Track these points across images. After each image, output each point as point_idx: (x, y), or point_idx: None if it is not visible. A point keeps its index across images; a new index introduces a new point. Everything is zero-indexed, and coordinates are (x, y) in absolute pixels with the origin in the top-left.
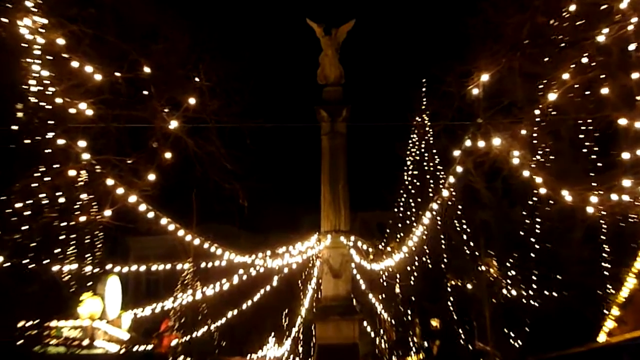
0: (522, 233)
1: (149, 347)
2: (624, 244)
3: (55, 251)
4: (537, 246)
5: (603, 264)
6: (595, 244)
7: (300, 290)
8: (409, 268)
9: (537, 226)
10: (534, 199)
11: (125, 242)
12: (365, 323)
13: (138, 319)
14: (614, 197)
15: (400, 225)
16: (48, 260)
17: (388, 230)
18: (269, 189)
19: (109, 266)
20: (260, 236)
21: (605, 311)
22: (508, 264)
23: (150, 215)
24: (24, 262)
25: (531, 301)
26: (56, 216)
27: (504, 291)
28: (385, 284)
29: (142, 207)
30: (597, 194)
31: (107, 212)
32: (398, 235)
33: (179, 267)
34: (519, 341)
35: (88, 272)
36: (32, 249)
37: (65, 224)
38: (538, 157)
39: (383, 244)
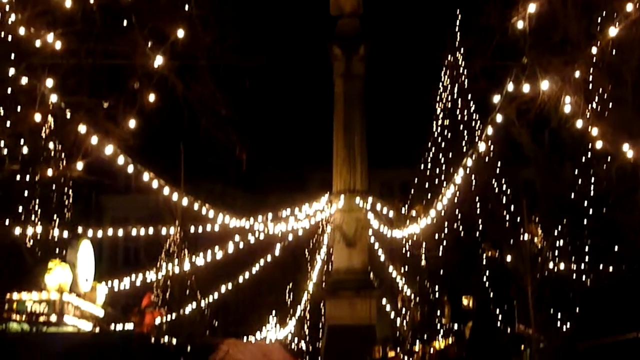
0: (573, 195)
1: (129, 325)
2: None
3: (18, 210)
4: (591, 211)
5: None
6: None
7: (308, 262)
8: (437, 236)
9: (592, 187)
10: (589, 154)
11: (100, 202)
12: (384, 301)
13: (115, 292)
14: None
15: (427, 185)
16: (8, 222)
17: (413, 191)
18: (272, 140)
19: (80, 229)
20: (260, 197)
21: None
22: (556, 233)
23: (130, 169)
24: None
25: (583, 277)
26: (18, 169)
27: (551, 265)
28: (408, 254)
29: (121, 160)
30: None
31: (79, 165)
32: (425, 197)
33: (164, 232)
34: (567, 324)
35: (56, 236)
36: None
37: (29, 178)
38: (594, 104)
39: (406, 207)
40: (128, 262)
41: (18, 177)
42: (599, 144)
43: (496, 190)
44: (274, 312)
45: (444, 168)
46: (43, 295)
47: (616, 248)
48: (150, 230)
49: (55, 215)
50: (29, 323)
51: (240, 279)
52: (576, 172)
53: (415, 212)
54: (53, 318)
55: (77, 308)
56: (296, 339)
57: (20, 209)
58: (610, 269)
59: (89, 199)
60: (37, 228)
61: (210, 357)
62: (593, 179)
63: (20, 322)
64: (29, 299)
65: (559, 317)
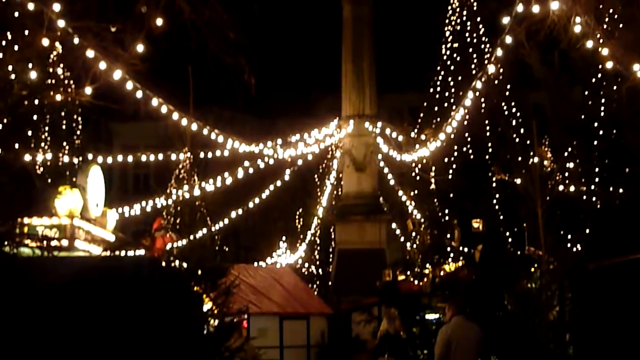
0: (583, 117)
1: (139, 250)
2: None
3: (27, 135)
4: (601, 132)
5: None
6: None
7: (317, 187)
8: (446, 159)
9: (602, 108)
10: (599, 75)
11: (109, 129)
12: (393, 225)
13: (125, 218)
14: None
15: (437, 108)
16: (18, 146)
17: (422, 115)
18: (280, 65)
19: (90, 156)
20: (268, 122)
21: None
22: (566, 155)
23: (139, 94)
24: None
25: (593, 198)
26: (27, 94)
27: (561, 187)
28: (418, 178)
29: (129, 85)
30: None
31: (87, 90)
32: (434, 121)
33: (174, 157)
34: (577, 245)
35: (66, 162)
36: None
37: (37, 103)
38: (605, 24)
39: (416, 131)
40: (138, 189)
41: (26, 103)
42: (609, 65)
43: (506, 113)
44: (284, 237)
45: (453, 91)
46: (54, 220)
47: (626, 169)
48: (160, 157)
49: (64, 142)
50: (40, 248)
51: (250, 205)
52: (586, 94)
53: (425, 135)
54: (64, 243)
55: (87, 233)
56: (306, 263)
57: (30, 133)
58: (620, 190)
59: (98, 126)
60: (47, 155)
61: (220, 281)
62: (603, 100)
63: (31, 247)
64: (39, 224)
65: (569, 238)
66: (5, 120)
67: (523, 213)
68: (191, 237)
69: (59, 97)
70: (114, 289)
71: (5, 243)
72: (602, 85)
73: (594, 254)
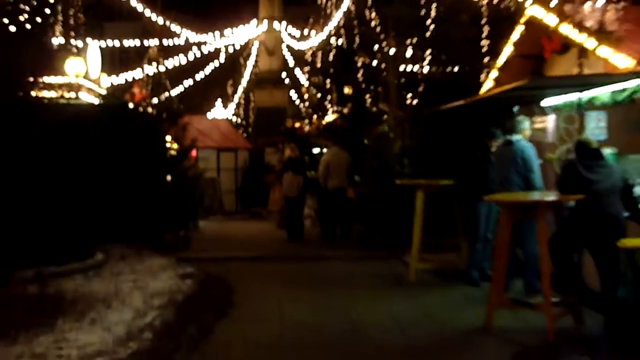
0: (422, 15)
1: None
2: (504, 23)
3: (48, 15)
4: (431, 27)
5: (485, 40)
6: (479, 25)
7: (242, 65)
8: (328, 48)
9: (434, 9)
10: None
11: (102, 27)
12: (292, 91)
13: (114, 85)
14: None
15: (323, 14)
16: (42, 21)
17: (314, 19)
18: None
19: (89, 40)
20: (211, 22)
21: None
22: (408, 42)
23: None
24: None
25: (426, 71)
26: None
27: (404, 66)
28: (309, 59)
29: None
30: None
31: None
32: (321, 22)
33: (146, 43)
34: (415, 101)
35: (73, 42)
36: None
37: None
38: None
39: (309, 28)
40: (123, 66)
41: None
42: None
43: (369, 19)
44: (220, 99)
45: (335, 2)
46: (65, 79)
47: (447, 54)
48: (137, 42)
49: (72, 30)
50: (55, 97)
51: (197, 77)
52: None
53: (315, 31)
54: (72, 94)
55: (89, 89)
56: (235, 117)
57: (49, 12)
58: (442, 69)
59: (95, 22)
60: (60, 39)
61: (178, 121)
62: (435, 4)
63: (49, 97)
64: (55, 82)
65: (409, 97)
66: (34, 3)
67: (379, 82)
68: (158, 97)
69: None
70: (108, 122)
71: (33, 90)
72: None
73: (426, 106)
